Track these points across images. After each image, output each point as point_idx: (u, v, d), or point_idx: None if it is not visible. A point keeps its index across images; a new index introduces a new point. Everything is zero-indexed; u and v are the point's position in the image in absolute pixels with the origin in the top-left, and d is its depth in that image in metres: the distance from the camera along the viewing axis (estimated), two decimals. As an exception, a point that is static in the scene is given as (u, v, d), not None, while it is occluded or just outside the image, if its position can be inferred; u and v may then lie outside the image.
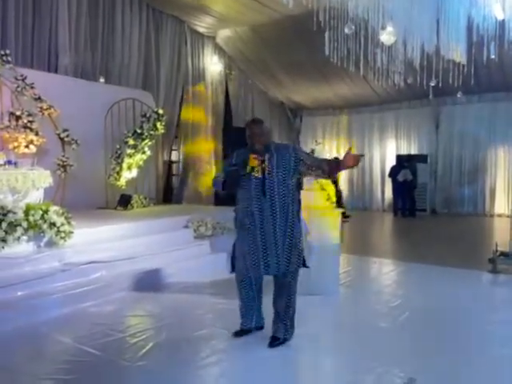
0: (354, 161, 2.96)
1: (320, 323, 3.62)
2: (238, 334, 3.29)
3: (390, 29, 5.96)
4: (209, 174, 10.84)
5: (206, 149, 10.89)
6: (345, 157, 2.98)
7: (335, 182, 11.11)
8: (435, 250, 6.90)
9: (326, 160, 3.23)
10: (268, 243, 3.02)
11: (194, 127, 10.60)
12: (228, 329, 3.40)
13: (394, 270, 5.68)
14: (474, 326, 3.61)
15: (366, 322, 3.71)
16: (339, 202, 10.82)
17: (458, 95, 9.86)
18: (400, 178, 11.58)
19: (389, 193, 12.76)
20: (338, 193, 11.10)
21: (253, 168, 2.99)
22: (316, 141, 4.74)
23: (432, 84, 7.45)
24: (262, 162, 3.02)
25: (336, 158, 3.05)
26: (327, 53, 6.15)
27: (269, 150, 3.09)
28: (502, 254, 5.47)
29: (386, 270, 5.73)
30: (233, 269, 3.24)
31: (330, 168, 3.07)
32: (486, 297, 4.56)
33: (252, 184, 3.03)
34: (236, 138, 9.48)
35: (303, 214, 3.28)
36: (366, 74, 8.76)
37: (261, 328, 3.34)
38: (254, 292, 3.24)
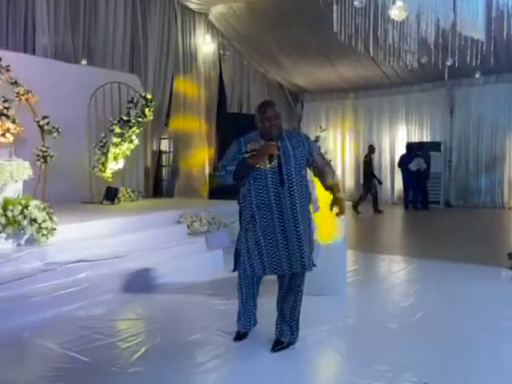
0: (341, 211, 3.20)
1: (326, 325, 3.64)
2: (239, 337, 3.32)
3: (400, 3, 5.94)
4: (201, 163, 10.85)
5: (198, 136, 10.88)
6: (337, 203, 3.18)
7: (372, 175, 11.29)
8: (450, 246, 6.93)
9: (331, 174, 3.25)
10: (290, 239, 2.99)
11: (186, 113, 10.57)
12: (227, 332, 3.43)
13: (405, 268, 5.71)
14: (491, 327, 3.64)
15: (376, 323, 3.74)
16: (375, 205, 11.10)
17: (477, 75, 9.79)
18: (413, 167, 11.55)
19: (399, 184, 12.77)
20: (374, 192, 11.21)
21: (271, 157, 2.98)
22: (320, 127, 4.72)
23: (448, 63, 7.42)
24: (278, 149, 3.00)
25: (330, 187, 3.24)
26: (335, 29, 6.10)
27: (281, 135, 3.09)
28: (523, 249, 5.51)
29: (396, 268, 5.76)
30: (235, 267, 3.22)
31: (328, 186, 3.22)
32: (505, 295, 4.60)
33: (268, 173, 2.99)
34: (231, 124, 9.55)
35: None
36: (375, 54, 8.74)
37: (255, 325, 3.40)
38: (254, 291, 3.27)
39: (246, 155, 3.01)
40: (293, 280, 3.14)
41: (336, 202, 3.18)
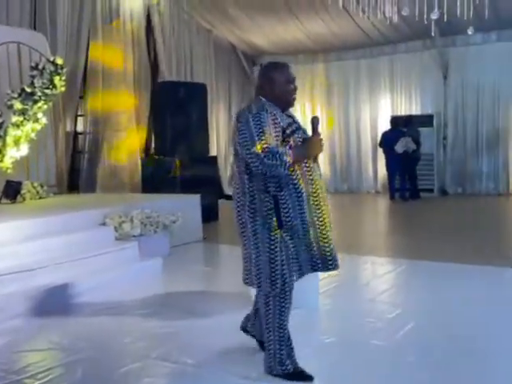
0: None
1: (295, 347, 3.72)
2: (307, 377, 3.22)
3: None
4: (131, 148, 10.74)
5: (127, 114, 10.75)
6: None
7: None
8: (446, 243, 7.18)
9: None
10: (321, 235, 3.21)
11: (107, 84, 10.42)
12: (167, 359, 3.47)
13: (392, 271, 5.91)
14: (495, 339, 3.82)
15: (355, 340, 3.86)
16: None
17: (469, 32, 9.65)
18: (399, 148, 11.64)
19: (383, 168, 12.91)
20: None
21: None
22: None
23: (434, 17, 7.48)
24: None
25: None
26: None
27: None
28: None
29: (381, 272, 5.95)
30: (284, 283, 3.10)
31: None
32: (509, 301, 4.83)
33: None
34: (169, 96, 9.46)
35: None
36: (347, 5, 8.80)
37: None
38: None
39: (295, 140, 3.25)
40: None
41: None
